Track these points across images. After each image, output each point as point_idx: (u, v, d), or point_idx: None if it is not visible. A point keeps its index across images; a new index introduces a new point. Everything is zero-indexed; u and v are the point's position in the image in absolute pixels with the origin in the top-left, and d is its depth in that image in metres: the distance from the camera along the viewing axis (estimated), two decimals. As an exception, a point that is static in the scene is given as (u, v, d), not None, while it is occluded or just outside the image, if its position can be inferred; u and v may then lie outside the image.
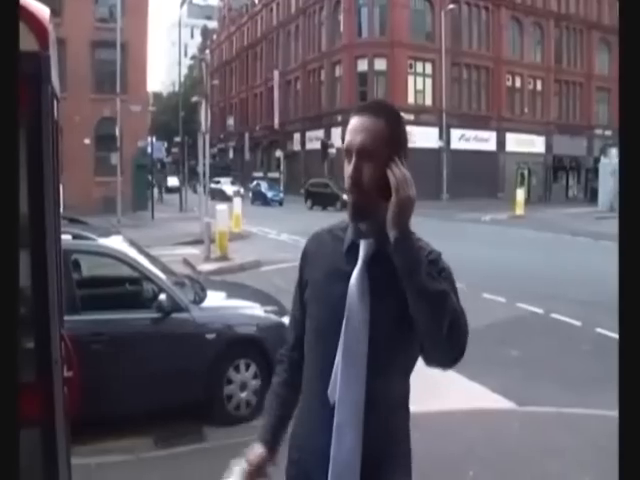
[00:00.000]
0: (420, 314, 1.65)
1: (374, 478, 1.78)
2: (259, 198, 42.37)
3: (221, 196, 39.89)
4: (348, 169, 1.77)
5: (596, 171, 40.59)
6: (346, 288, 1.77)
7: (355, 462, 1.74)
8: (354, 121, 1.78)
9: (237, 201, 21.03)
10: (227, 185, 46.25)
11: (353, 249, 1.81)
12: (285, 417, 2.01)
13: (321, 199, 36.09)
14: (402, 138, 1.81)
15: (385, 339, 1.75)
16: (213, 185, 43.49)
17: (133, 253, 5.90)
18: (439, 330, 1.63)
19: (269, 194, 42.32)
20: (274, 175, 56.36)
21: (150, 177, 30.78)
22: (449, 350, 1.68)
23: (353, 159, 1.75)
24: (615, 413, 5.60)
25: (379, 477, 1.79)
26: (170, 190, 50.46)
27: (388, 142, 1.75)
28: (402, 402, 1.87)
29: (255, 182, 45.93)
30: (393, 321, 1.75)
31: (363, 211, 1.77)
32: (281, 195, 42.62)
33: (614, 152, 39.01)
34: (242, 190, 42.93)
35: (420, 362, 1.80)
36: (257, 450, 1.93)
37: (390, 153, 1.73)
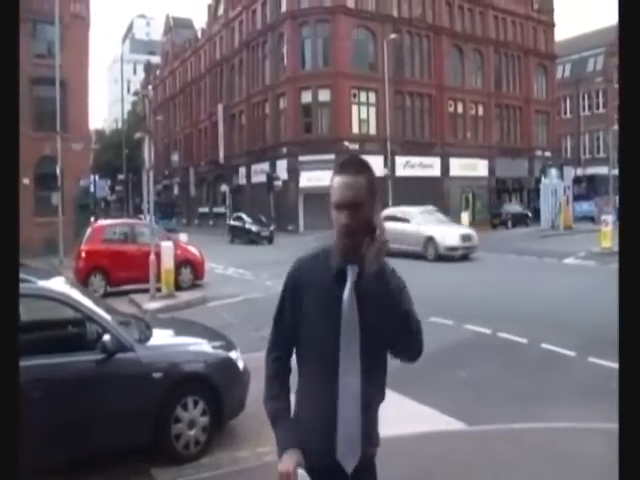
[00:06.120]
0: (396, 329, 2.28)
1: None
2: None
3: None
4: (341, 218, 2.25)
5: (538, 191, 41.69)
6: (338, 303, 2.27)
7: (356, 429, 2.26)
8: (340, 179, 2.27)
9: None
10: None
11: (340, 273, 2.29)
12: (292, 418, 2.40)
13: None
14: (376, 187, 2.32)
15: (370, 340, 2.28)
16: None
17: (75, 294, 5.78)
18: (407, 339, 2.31)
19: None
20: (220, 210, 56.08)
21: (93, 216, 30.17)
22: (415, 349, 2.35)
23: (346, 212, 2.23)
24: (562, 424, 5.76)
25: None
26: None
27: (368, 193, 2.26)
28: (382, 393, 2.44)
29: None
30: (375, 325, 2.28)
31: (354, 250, 2.24)
32: None
33: (554, 172, 40.29)
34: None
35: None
36: (293, 455, 2.25)
37: (372, 201, 2.27)
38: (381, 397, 2.42)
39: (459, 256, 21.44)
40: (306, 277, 2.37)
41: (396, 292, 2.29)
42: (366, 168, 2.30)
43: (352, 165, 2.30)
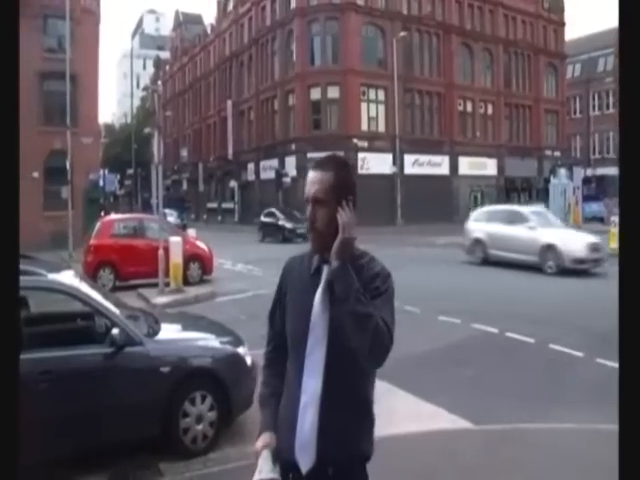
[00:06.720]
0: (349, 329, 2.12)
1: (330, 455, 2.21)
2: None
3: None
4: (307, 212, 2.30)
5: (547, 191, 41.46)
6: (312, 303, 2.26)
7: (313, 434, 2.21)
8: (310, 175, 2.31)
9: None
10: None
11: (318, 272, 2.29)
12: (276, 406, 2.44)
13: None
14: (349, 185, 2.30)
15: (342, 343, 2.17)
16: None
17: (85, 288, 5.80)
18: (362, 342, 2.10)
19: None
20: (228, 206, 56.06)
21: (102, 210, 30.21)
22: (369, 357, 2.14)
23: (311, 206, 2.28)
24: (569, 425, 5.75)
25: (335, 455, 2.22)
26: None
27: (336, 190, 2.24)
28: (362, 399, 2.31)
29: None
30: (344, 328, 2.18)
31: (321, 245, 2.27)
32: None
33: (563, 172, 40.03)
34: None
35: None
36: (270, 436, 2.36)
37: (339, 198, 2.22)
38: (358, 405, 2.31)
39: (581, 270, 16.92)
40: (290, 275, 2.45)
41: (373, 294, 2.18)
42: (338, 166, 2.32)
43: (325, 162, 2.34)
